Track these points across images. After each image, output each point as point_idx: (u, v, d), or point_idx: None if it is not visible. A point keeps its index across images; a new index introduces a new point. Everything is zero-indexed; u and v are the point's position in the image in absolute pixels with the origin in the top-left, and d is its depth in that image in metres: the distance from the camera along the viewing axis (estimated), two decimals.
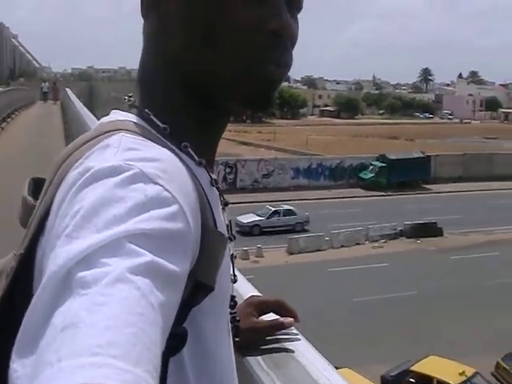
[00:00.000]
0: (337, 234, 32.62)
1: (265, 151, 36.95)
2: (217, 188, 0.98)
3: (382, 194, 45.45)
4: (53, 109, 29.91)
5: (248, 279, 1.46)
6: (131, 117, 0.93)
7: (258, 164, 44.85)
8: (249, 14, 0.92)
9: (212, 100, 0.97)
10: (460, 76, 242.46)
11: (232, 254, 1.03)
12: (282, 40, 0.94)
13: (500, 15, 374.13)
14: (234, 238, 1.04)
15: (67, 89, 28.00)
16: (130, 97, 1.00)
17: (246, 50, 0.93)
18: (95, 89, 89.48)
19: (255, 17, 0.93)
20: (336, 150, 59.01)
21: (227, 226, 1.00)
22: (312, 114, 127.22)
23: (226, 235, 0.94)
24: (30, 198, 0.94)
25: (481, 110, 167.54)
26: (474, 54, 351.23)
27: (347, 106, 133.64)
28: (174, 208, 0.72)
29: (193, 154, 0.93)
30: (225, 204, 1.02)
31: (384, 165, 47.55)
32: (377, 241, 33.50)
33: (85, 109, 12.63)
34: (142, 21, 1.00)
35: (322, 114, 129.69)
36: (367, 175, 47.63)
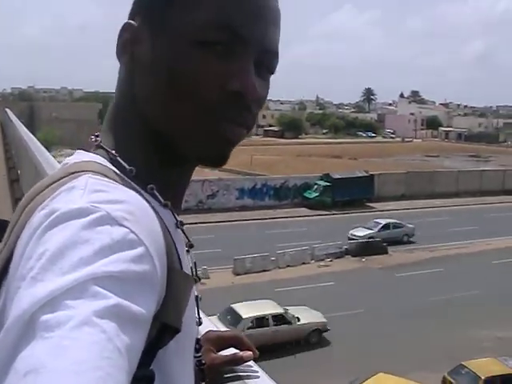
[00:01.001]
0: (282, 253, 32.49)
1: (209, 172, 36.63)
2: (182, 230, 1.00)
3: (327, 212, 45.65)
4: None
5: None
6: (97, 158, 0.94)
7: (203, 184, 44.48)
8: (214, 70, 0.91)
9: (172, 148, 0.96)
10: (401, 95, 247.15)
11: (197, 296, 1.01)
12: (245, 100, 0.93)
13: (439, 36, 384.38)
14: (199, 279, 1.02)
15: (7, 109, 27.25)
16: (97, 136, 0.99)
17: (204, 106, 0.91)
18: (36, 109, 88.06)
19: (220, 74, 0.91)
20: (280, 169, 59.21)
21: (192, 267, 1.00)
22: (256, 134, 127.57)
23: (191, 276, 0.95)
24: None
25: (422, 129, 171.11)
26: (415, 73, 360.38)
27: (291, 125, 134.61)
28: (140, 250, 0.73)
29: (158, 195, 0.94)
30: (190, 246, 1.02)
31: (328, 184, 47.79)
32: (323, 260, 33.48)
33: (26, 130, 12.23)
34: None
35: (267, 133, 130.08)
36: (312, 194, 47.78)
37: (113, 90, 1.04)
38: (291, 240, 34.91)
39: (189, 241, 1.02)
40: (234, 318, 23.27)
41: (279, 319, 23.84)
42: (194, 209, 42.54)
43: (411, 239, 37.57)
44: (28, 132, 11.34)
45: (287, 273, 31.33)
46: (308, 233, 37.47)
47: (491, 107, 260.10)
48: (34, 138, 9.39)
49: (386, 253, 35.09)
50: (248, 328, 22.65)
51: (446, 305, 26.67)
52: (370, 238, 35.86)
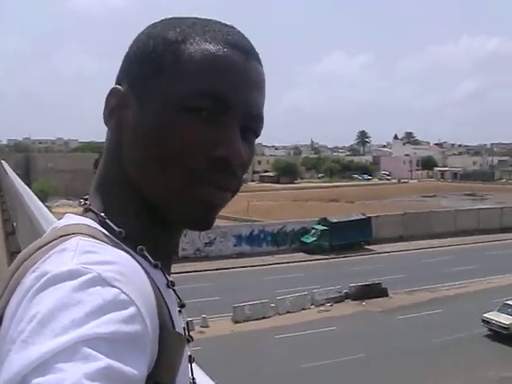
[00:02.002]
0: (282, 300, 32.21)
1: None
2: (173, 290, 1.00)
3: (326, 257, 45.46)
4: None
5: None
6: (87, 221, 0.95)
7: (200, 232, 44.31)
8: (199, 137, 0.92)
9: (159, 213, 0.98)
10: (396, 137, 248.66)
11: (190, 356, 1.01)
12: (230, 165, 0.94)
13: (431, 76, 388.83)
14: (192, 339, 1.03)
15: (3, 161, 27.22)
16: (86, 200, 1.01)
17: (189, 173, 0.93)
18: (32, 160, 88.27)
19: (205, 140, 0.92)
20: (277, 215, 59.13)
21: (184, 327, 1.01)
22: (252, 180, 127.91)
23: (184, 336, 0.97)
24: None
25: (417, 170, 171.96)
26: (409, 114, 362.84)
27: (286, 170, 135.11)
28: (131, 310, 0.74)
29: (148, 256, 0.95)
30: (181, 306, 1.03)
31: (325, 228, 47.76)
32: (323, 304, 33.20)
33: (21, 183, 12.21)
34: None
35: (262, 179, 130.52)
36: (309, 239, 47.66)
37: None
38: (290, 286, 34.66)
39: (180, 300, 1.03)
40: None
41: None
42: (191, 257, 42.34)
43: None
44: (23, 184, 11.34)
45: (287, 319, 31.01)
46: (307, 278, 37.22)
47: (485, 145, 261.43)
48: (30, 190, 9.36)
49: (387, 295, 34.82)
50: None
51: (448, 346, 26.37)
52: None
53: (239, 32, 1.00)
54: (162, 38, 0.97)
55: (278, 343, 27.21)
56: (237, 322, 30.37)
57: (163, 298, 0.89)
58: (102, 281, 0.74)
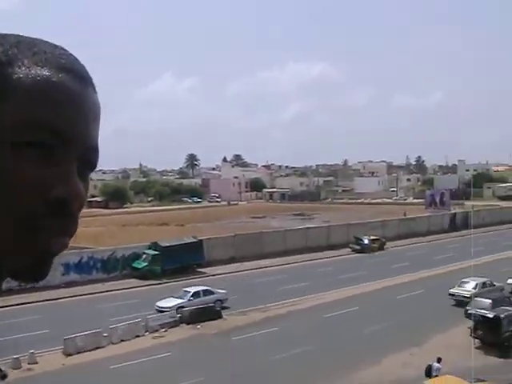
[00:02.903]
0: (115, 328, 31.21)
1: None
2: None
3: (158, 282, 44.92)
4: None
5: None
6: None
7: None
8: (34, 176, 0.81)
9: None
10: (225, 160, 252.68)
11: None
12: (69, 207, 0.85)
13: (260, 99, 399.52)
14: None
15: None
16: None
17: (23, 217, 0.81)
18: None
19: (41, 180, 0.82)
20: (107, 241, 57.89)
21: None
22: None
23: None
24: None
25: (247, 191, 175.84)
26: (238, 137, 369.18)
27: (115, 195, 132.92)
28: None
29: None
30: (2, 376, 0.95)
31: (157, 252, 47.32)
32: (157, 330, 32.58)
33: None
34: None
35: (90, 204, 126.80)
36: (141, 264, 46.88)
37: None
38: (123, 313, 33.79)
39: (1, 371, 0.94)
40: None
41: None
42: (16, 289, 39.80)
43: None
44: None
45: (122, 348, 30.09)
46: (140, 304, 36.47)
47: (311, 166, 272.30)
48: None
49: (221, 317, 34.88)
50: None
51: (283, 364, 26.79)
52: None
53: (71, 54, 0.88)
54: None
55: (113, 374, 26.30)
56: (69, 354, 28.94)
57: None
58: None
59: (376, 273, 46.30)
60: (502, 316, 27.98)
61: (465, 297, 35.80)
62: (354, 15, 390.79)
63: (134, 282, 44.98)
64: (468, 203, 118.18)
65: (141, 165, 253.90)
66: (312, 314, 34.32)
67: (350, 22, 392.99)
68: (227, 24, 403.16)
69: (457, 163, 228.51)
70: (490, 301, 31.26)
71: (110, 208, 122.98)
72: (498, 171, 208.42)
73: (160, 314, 33.88)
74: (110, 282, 44.34)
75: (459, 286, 37.92)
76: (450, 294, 37.36)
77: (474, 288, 37.01)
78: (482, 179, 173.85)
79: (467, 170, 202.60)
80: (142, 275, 45.87)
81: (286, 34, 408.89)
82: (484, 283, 37.90)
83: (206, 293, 37.48)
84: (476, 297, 32.61)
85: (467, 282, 37.97)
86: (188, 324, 33.76)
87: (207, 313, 34.50)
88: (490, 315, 28.26)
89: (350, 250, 60.75)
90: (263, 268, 50.80)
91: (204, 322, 33.64)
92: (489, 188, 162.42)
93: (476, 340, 28.46)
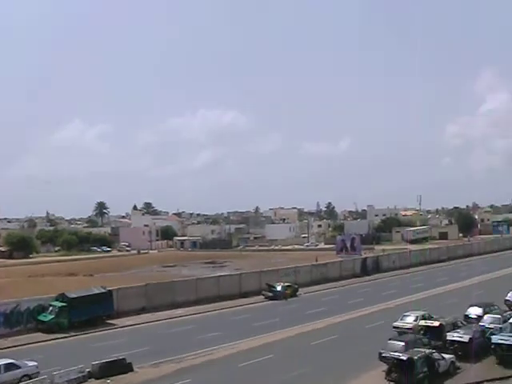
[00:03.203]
0: None
1: None
2: None
3: (65, 335, 42.87)
4: None
5: None
6: None
7: None
8: None
9: None
10: (135, 208, 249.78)
11: None
12: None
13: (170, 147, 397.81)
14: None
15: None
16: None
17: None
18: None
19: None
20: (11, 293, 55.36)
21: None
22: None
23: None
24: None
25: (157, 240, 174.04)
26: (148, 185, 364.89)
27: (20, 244, 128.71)
28: None
29: None
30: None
31: (64, 304, 45.35)
32: None
33: None
34: None
35: None
36: (47, 317, 44.70)
37: None
38: None
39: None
40: None
41: None
42: None
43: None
44: None
45: None
46: (46, 360, 34.44)
47: (223, 214, 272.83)
48: None
49: (132, 370, 33.42)
50: None
51: None
52: None
53: None
54: None
55: None
56: None
57: None
58: None
59: (290, 319, 45.90)
60: (416, 358, 27.99)
61: (407, 328, 37.97)
62: (264, 65, 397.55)
63: (40, 336, 42.70)
64: (378, 247, 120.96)
65: (48, 213, 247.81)
66: (227, 364, 33.42)
67: (260, 71, 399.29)
68: (143, 68, 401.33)
69: (366, 208, 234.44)
70: (402, 343, 31.34)
71: (15, 258, 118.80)
72: (406, 215, 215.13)
73: (67, 370, 32.05)
74: (14, 337, 41.94)
75: (401, 320, 39.98)
76: (393, 327, 39.00)
77: (415, 320, 38.95)
78: (391, 224, 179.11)
79: (376, 215, 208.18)
80: (49, 328, 43.63)
81: (198, 80, 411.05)
82: (423, 315, 39.63)
83: (10, 367, 30.76)
84: (390, 340, 32.64)
85: (408, 316, 40.40)
86: (97, 379, 32.14)
87: (118, 366, 33.00)
88: (404, 357, 28.23)
89: (263, 297, 60.44)
90: (176, 318, 49.63)
91: (114, 375, 32.14)
92: (397, 232, 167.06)
93: (391, 383, 28.28)
